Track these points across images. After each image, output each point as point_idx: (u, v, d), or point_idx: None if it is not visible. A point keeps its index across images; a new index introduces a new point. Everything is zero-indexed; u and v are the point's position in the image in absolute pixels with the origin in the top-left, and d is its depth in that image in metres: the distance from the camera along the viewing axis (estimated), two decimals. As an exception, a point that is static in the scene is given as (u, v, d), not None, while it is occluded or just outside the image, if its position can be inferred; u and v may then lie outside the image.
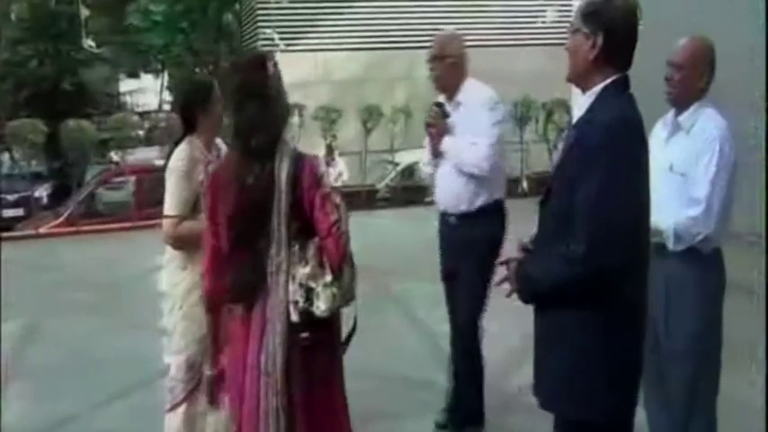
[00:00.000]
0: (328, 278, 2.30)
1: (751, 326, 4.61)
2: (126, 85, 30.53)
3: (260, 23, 15.35)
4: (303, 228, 2.32)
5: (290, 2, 14.86)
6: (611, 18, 2.16)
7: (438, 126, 3.61)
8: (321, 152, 12.51)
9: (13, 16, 12.69)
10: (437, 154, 3.64)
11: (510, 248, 2.44)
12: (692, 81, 2.91)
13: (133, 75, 30.53)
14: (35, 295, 6.85)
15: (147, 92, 30.85)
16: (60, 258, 9.17)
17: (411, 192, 12.06)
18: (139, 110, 27.67)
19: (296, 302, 2.29)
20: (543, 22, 15.63)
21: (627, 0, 2.21)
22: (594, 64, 2.18)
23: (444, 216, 3.70)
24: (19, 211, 14.54)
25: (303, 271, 2.29)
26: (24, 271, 7.32)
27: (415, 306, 6.03)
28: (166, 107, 25.04)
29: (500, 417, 3.94)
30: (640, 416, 2.99)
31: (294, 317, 2.30)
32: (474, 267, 3.54)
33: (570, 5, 12.92)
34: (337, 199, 2.35)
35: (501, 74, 14.28)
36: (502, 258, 2.43)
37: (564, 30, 2.34)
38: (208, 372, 2.65)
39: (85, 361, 5.20)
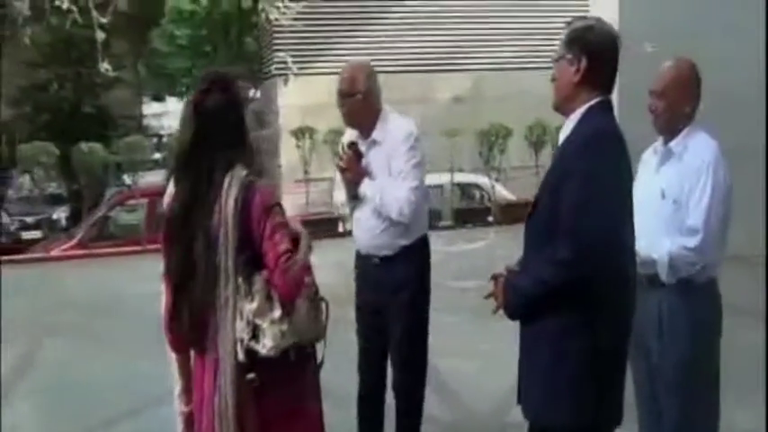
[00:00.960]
0: (276, 314, 2.14)
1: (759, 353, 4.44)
2: (151, 108, 31.02)
3: (276, 47, 15.43)
4: (250, 260, 2.18)
5: (305, 26, 14.90)
6: (593, 42, 2.27)
7: (353, 170, 3.32)
8: (333, 175, 12.48)
9: (27, 40, 12.68)
10: (354, 197, 3.38)
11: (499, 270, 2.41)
12: (678, 107, 2.81)
13: (158, 98, 30.99)
14: (36, 318, 6.82)
15: (172, 115, 31.29)
16: (66, 281, 9.16)
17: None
18: (164, 132, 28.07)
19: (242, 340, 2.15)
20: (557, 45, 15.55)
21: (607, 26, 2.33)
22: (578, 87, 2.28)
23: (366, 257, 3.45)
24: (37, 234, 14.74)
25: (250, 306, 2.14)
26: (28, 294, 7.32)
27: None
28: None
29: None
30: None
31: (241, 356, 2.15)
32: (405, 303, 3.38)
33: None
34: (299, 228, 2.24)
35: (514, 96, 14.35)
36: (491, 274, 2.41)
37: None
38: (183, 408, 2.51)
39: (83, 386, 5.12)
